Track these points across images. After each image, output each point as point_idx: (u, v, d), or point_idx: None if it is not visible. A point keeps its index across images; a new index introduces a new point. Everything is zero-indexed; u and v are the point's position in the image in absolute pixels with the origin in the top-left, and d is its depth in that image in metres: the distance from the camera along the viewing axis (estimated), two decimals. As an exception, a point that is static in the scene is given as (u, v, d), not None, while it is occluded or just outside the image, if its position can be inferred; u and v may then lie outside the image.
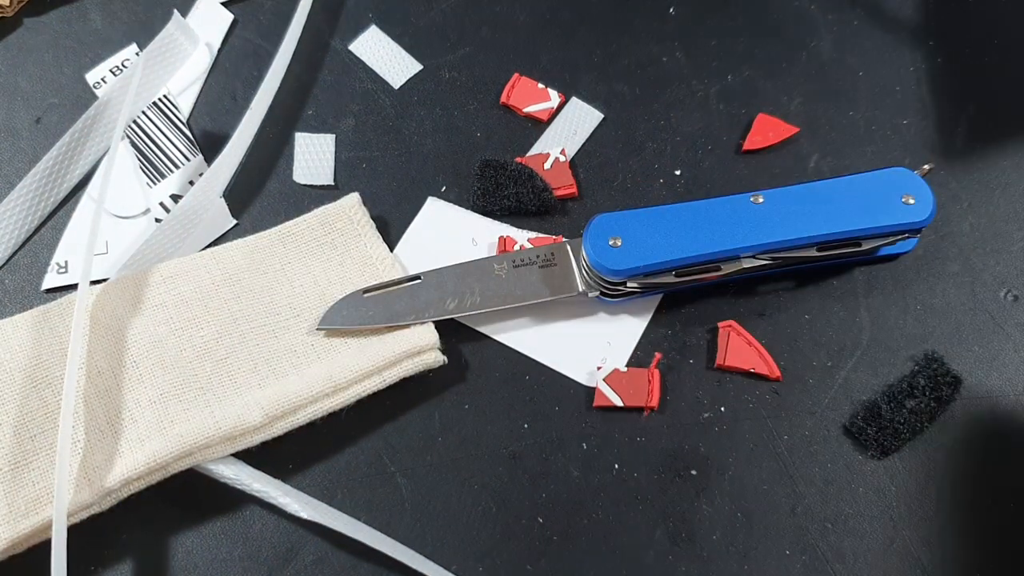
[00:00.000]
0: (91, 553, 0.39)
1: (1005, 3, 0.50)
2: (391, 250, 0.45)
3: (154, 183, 0.47)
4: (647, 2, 0.51)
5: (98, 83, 0.49)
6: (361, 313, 0.41)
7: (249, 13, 0.51)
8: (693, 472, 0.40)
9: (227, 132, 0.47)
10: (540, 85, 0.48)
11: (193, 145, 0.47)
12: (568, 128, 0.48)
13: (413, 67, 0.49)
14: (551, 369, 0.42)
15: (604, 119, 0.48)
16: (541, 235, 0.45)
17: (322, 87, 0.49)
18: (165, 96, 0.49)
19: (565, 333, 0.43)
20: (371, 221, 0.44)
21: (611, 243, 0.40)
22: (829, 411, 0.41)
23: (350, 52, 0.50)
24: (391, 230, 0.46)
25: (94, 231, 0.42)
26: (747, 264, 0.41)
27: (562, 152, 0.46)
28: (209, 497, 0.40)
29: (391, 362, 0.40)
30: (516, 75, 0.48)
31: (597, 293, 0.42)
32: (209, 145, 0.47)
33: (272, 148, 0.48)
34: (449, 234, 0.45)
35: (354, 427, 0.41)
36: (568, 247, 0.43)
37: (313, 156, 0.47)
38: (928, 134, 0.47)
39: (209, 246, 0.45)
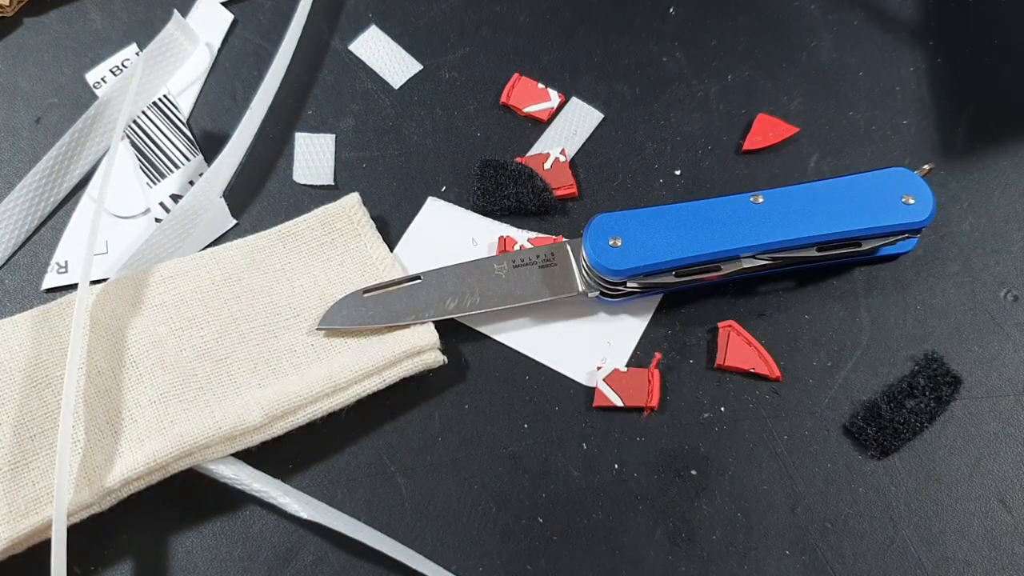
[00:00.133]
0: (91, 553, 0.39)
1: (1005, 3, 0.50)
2: (391, 250, 0.44)
3: (154, 183, 0.47)
4: (647, 2, 0.51)
5: (98, 83, 0.49)
6: (361, 313, 0.41)
7: (249, 13, 0.51)
8: (693, 472, 0.40)
9: (227, 132, 0.47)
10: (540, 85, 0.48)
11: (193, 145, 0.47)
12: (568, 128, 0.48)
13: (413, 67, 0.49)
14: (551, 369, 0.42)
15: (604, 119, 0.48)
16: (541, 235, 0.45)
17: (322, 87, 0.49)
18: (165, 96, 0.49)
19: (565, 333, 0.43)
20: (371, 221, 0.44)
21: (611, 243, 0.40)
22: (829, 411, 0.41)
23: (350, 52, 0.50)
24: (391, 230, 0.46)
25: (94, 231, 0.42)
26: (747, 264, 0.41)
27: (562, 152, 0.46)
28: (209, 497, 0.40)
29: (391, 362, 0.40)
30: (516, 75, 0.48)
31: (597, 293, 0.42)
32: (209, 145, 0.47)
33: (272, 148, 0.48)
34: (449, 234, 0.45)
35: (354, 427, 0.41)
36: (568, 247, 0.43)
37: (313, 156, 0.47)
38: (928, 134, 0.47)
39: (209, 246, 0.45)
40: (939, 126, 0.47)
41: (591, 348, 0.43)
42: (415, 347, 0.41)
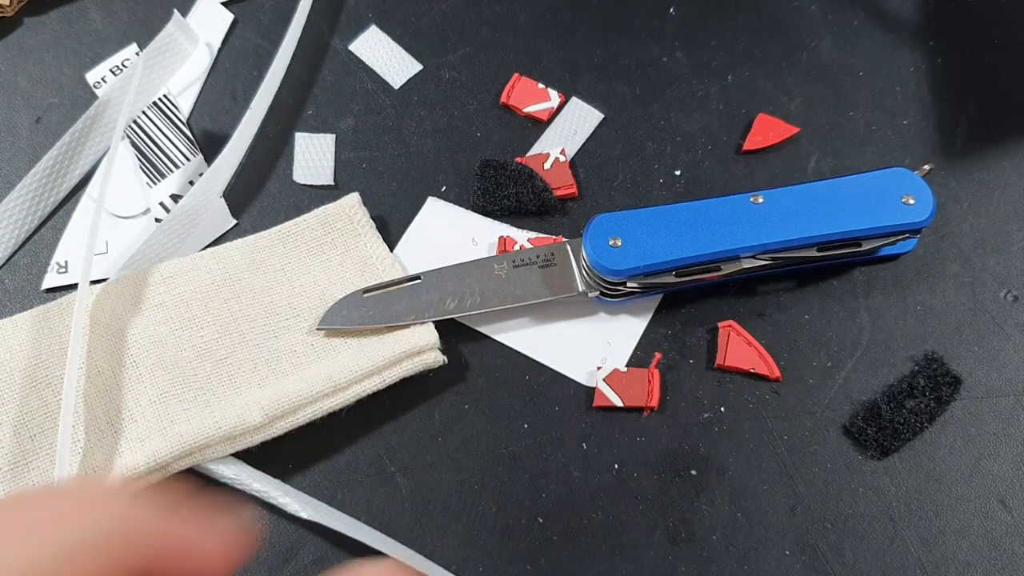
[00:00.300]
0: (91, 553, 0.39)
1: (1005, 3, 0.50)
2: (391, 250, 0.44)
3: (154, 183, 0.47)
4: (647, 2, 0.51)
5: (98, 83, 0.49)
6: (361, 313, 0.41)
7: (249, 13, 0.51)
8: (693, 472, 0.40)
9: (227, 132, 0.47)
10: (540, 85, 0.48)
11: (193, 145, 0.47)
12: (568, 128, 0.48)
13: (413, 67, 0.49)
14: (551, 369, 0.42)
15: (604, 119, 0.48)
16: (541, 235, 0.45)
17: (322, 87, 0.49)
18: (165, 96, 0.49)
19: (565, 333, 0.43)
20: (371, 221, 0.44)
21: (611, 243, 0.40)
22: (829, 411, 0.41)
23: (350, 52, 0.50)
24: (391, 230, 0.46)
25: (94, 231, 0.42)
26: (747, 264, 0.41)
27: (562, 152, 0.46)
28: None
29: (391, 362, 0.40)
30: (516, 75, 0.48)
31: (597, 293, 0.42)
32: (209, 145, 0.47)
33: (272, 148, 0.48)
34: (449, 234, 0.45)
35: (354, 427, 0.41)
36: (568, 247, 0.43)
37: (313, 156, 0.47)
38: (928, 134, 0.47)
39: (209, 246, 0.45)
40: (939, 126, 0.47)
41: (591, 348, 0.43)
42: (415, 347, 0.41)
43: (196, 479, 0.39)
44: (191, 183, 0.46)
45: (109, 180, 0.44)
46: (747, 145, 0.47)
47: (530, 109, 0.48)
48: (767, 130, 0.47)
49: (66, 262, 0.45)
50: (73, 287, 0.44)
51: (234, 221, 0.46)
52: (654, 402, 0.41)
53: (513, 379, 0.42)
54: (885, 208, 0.41)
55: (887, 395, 0.41)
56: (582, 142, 0.47)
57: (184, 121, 0.48)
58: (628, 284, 0.41)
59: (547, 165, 0.46)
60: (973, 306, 0.43)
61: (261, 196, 0.47)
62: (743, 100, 0.48)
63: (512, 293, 0.42)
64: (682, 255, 0.40)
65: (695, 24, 0.50)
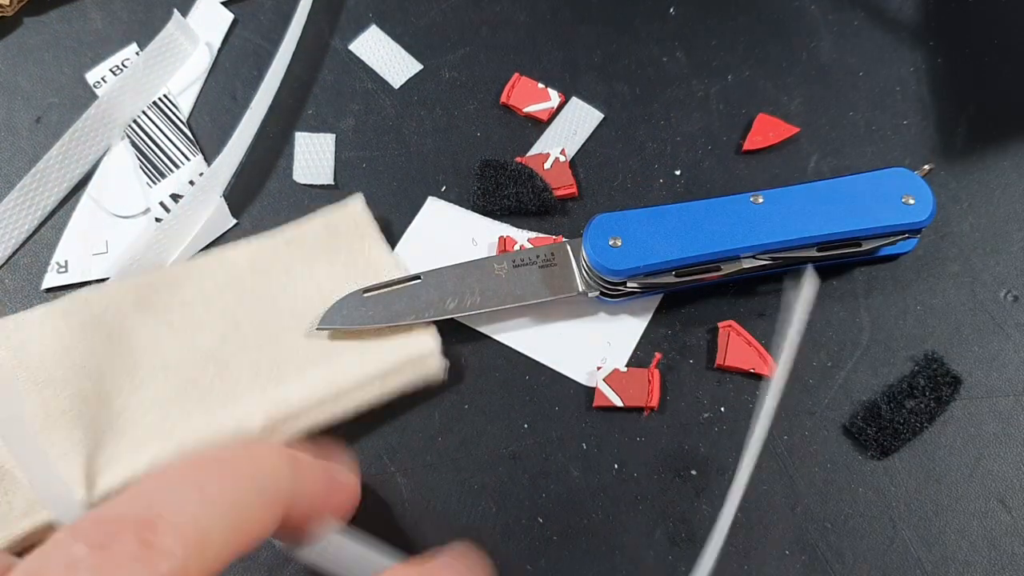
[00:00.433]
0: (91, 553, 0.39)
1: (1005, 3, 0.50)
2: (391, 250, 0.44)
3: (154, 183, 0.47)
4: (647, 2, 0.51)
5: (98, 83, 0.49)
6: (361, 313, 0.41)
7: (249, 13, 0.51)
8: (693, 472, 0.40)
9: (227, 132, 0.47)
10: (540, 85, 0.48)
11: (193, 145, 0.47)
12: (568, 128, 0.48)
13: (413, 67, 0.49)
14: (551, 369, 0.42)
15: (604, 119, 0.48)
16: (541, 235, 0.45)
17: (322, 87, 0.49)
18: (165, 96, 0.49)
19: (565, 333, 0.43)
20: (375, 224, 0.44)
21: (611, 243, 0.40)
22: (829, 411, 0.41)
23: (350, 52, 0.50)
24: (391, 230, 0.45)
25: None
26: (747, 264, 0.41)
27: (562, 152, 0.46)
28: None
29: (392, 365, 0.40)
30: (516, 75, 0.48)
31: (597, 293, 0.42)
32: (209, 145, 0.47)
33: (272, 148, 0.48)
34: (449, 234, 0.45)
35: (354, 427, 0.41)
36: (568, 247, 0.43)
37: (313, 156, 0.47)
38: (928, 134, 0.47)
39: (209, 246, 0.45)
40: (939, 126, 0.47)
41: (591, 348, 0.43)
42: (417, 351, 0.40)
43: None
44: (191, 183, 0.46)
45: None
46: (747, 145, 0.47)
47: (530, 109, 0.48)
48: (767, 130, 0.47)
49: (66, 262, 0.45)
50: (73, 287, 0.44)
51: (234, 221, 0.46)
52: (654, 402, 0.41)
53: (513, 379, 0.42)
54: (885, 208, 0.41)
55: (887, 395, 0.41)
56: (582, 142, 0.47)
57: (184, 121, 0.48)
58: (628, 284, 0.41)
59: (547, 165, 0.46)
60: (973, 306, 0.43)
61: (261, 196, 0.47)
62: (743, 100, 0.48)
63: (512, 293, 0.42)
64: (682, 255, 0.40)
65: (695, 24, 0.50)
